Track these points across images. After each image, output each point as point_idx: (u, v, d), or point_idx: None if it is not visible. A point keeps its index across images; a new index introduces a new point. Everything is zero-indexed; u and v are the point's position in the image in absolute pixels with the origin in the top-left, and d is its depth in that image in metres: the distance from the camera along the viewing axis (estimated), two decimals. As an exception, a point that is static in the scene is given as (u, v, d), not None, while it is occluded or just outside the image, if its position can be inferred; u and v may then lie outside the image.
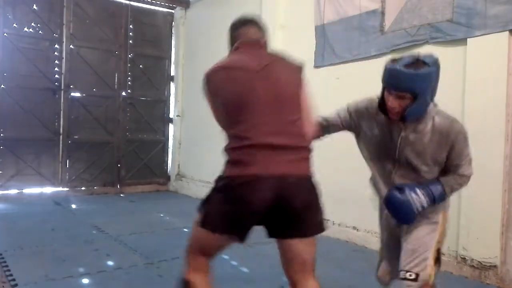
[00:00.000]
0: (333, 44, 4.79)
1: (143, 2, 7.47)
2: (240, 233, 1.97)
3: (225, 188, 1.91)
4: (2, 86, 6.25)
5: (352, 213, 4.56)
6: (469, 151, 2.36)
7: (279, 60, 2.19)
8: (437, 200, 2.17)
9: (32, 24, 6.47)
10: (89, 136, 6.93)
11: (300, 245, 2.11)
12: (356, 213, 4.52)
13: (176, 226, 5.09)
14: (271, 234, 2.05)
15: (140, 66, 7.47)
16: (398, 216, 2.17)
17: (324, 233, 4.86)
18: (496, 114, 3.38)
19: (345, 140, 4.72)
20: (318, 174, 5.20)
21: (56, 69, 6.69)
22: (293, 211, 1.95)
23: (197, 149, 7.29)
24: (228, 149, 2.00)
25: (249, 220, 1.93)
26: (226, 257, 3.95)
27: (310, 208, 2.09)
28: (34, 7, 6.47)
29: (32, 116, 6.46)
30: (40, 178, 6.59)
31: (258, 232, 4.75)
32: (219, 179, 1.97)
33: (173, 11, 7.81)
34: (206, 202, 2.00)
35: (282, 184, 1.90)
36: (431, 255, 2.16)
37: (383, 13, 4.25)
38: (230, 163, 1.95)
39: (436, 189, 2.17)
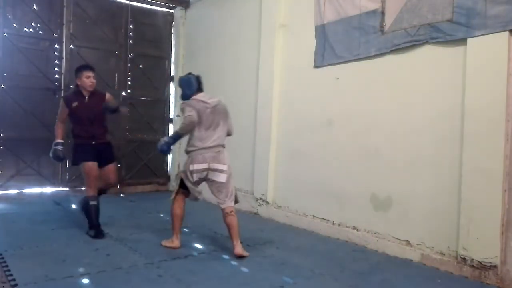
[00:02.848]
0: (333, 44, 4.79)
1: (143, 2, 7.47)
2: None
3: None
4: (2, 86, 6.25)
5: (352, 213, 4.56)
6: (184, 115, 3.92)
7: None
8: (169, 137, 4.09)
9: (32, 24, 6.46)
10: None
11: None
12: (356, 213, 4.52)
13: (176, 226, 5.09)
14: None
15: (140, 66, 7.47)
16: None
17: (324, 233, 4.90)
18: (496, 114, 3.38)
19: (345, 140, 4.75)
20: (319, 175, 5.23)
21: (56, 69, 6.69)
22: None
23: (197, 149, 7.29)
24: None
25: None
26: (226, 257, 3.95)
27: None
28: (34, 7, 6.46)
29: (32, 116, 6.46)
30: (40, 178, 6.58)
31: (257, 233, 4.74)
32: None
33: (173, 11, 7.80)
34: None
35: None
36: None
37: (383, 13, 4.25)
38: None
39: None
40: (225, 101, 6.70)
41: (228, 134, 4.15)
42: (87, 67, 4.76)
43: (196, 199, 4.09)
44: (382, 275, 3.57)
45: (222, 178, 3.94)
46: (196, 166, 3.91)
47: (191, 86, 4.03)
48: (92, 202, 4.48)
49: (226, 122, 4.08)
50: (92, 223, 4.49)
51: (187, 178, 3.99)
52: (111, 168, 4.73)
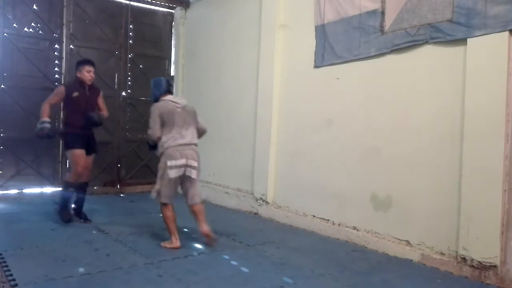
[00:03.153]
0: (333, 44, 4.79)
1: (143, 2, 7.47)
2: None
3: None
4: (2, 86, 6.25)
5: (352, 213, 4.56)
6: (150, 122, 4.12)
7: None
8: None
9: (32, 24, 6.46)
10: (89, 136, 6.92)
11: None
12: (356, 213, 4.52)
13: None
14: None
15: (140, 66, 7.48)
16: None
17: (324, 233, 4.90)
18: (496, 114, 3.38)
19: (345, 140, 4.75)
20: (319, 175, 5.22)
21: (56, 69, 6.69)
22: None
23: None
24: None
25: None
26: (226, 257, 3.95)
27: None
28: (34, 7, 6.47)
29: (32, 116, 6.44)
30: (40, 178, 6.59)
31: (257, 233, 4.74)
32: None
33: (173, 11, 7.80)
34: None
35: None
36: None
37: (383, 13, 4.25)
38: None
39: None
40: (225, 101, 6.74)
41: (203, 132, 4.44)
42: (89, 61, 5.05)
43: (167, 198, 4.10)
44: (382, 275, 3.57)
45: (194, 174, 4.13)
46: (174, 162, 4.01)
47: (160, 87, 4.26)
48: (70, 189, 4.83)
49: (196, 122, 4.32)
50: (63, 207, 4.93)
51: (162, 178, 4.06)
52: (91, 158, 5.06)
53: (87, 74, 4.90)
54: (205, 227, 4.14)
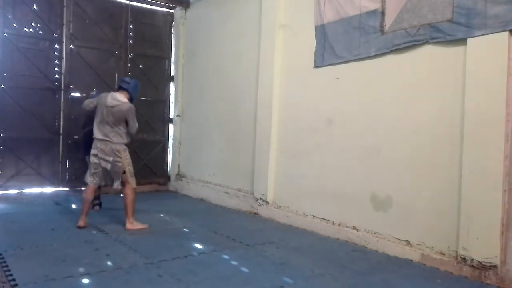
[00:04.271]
0: (333, 44, 4.79)
1: (143, 2, 7.47)
2: None
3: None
4: (2, 86, 6.25)
5: (352, 213, 4.56)
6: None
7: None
8: None
9: (32, 24, 6.47)
10: (89, 136, 6.92)
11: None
12: (356, 213, 4.52)
13: (176, 226, 5.09)
14: None
15: (140, 66, 7.48)
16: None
17: (324, 233, 4.90)
18: (496, 114, 3.38)
19: (345, 140, 4.75)
20: (319, 175, 5.22)
21: (56, 69, 6.69)
22: None
23: (197, 149, 7.29)
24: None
25: None
26: (226, 257, 3.95)
27: None
28: (34, 7, 6.47)
29: (32, 116, 6.46)
30: (40, 178, 6.59)
31: (257, 233, 4.74)
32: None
33: (173, 11, 7.81)
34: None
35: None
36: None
37: (383, 13, 4.24)
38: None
39: None
40: (225, 101, 6.74)
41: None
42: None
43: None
44: (382, 275, 3.57)
45: (109, 166, 4.83)
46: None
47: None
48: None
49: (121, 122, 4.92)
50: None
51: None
52: None
53: None
54: (128, 224, 4.82)
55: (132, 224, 4.77)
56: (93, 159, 4.76)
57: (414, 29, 3.96)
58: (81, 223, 4.73)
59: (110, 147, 4.69)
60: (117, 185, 4.81)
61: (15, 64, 6.33)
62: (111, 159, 4.69)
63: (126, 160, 4.77)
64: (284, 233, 4.87)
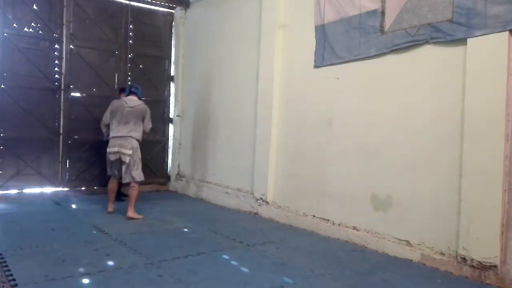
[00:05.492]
0: (333, 44, 4.79)
1: (143, 2, 7.47)
2: None
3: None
4: (2, 86, 6.25)
5: (352, 213, 4.56)
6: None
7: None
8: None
9: (32, 24, 6.47)
10: (89, 136, 6.92)
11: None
12: (356, 213, 4.52)
13: (176, 226, 5.09)
14: None
15: (140, 66, 7.48)
16: None
17: (324, 233, 4.90)
18: (496, 114, 3.38)
19: (345, 140, 4.75)
20: (319, 175, 5.21)
21: (56, 69, 6.69)
22: None
23: (197, 149, 7.29)
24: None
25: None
26: (226, 257, 3.95)
27: None
28: (34, 7, 6.47)
29: (32, 116, 6.46)
30: (40, 178, 6.59)
31: (257, 233, 4.74)
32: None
33: (173, 11, 7.81)
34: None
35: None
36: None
37: (383, 13, 4.25)
38: None
39: None
40: (225, 101, 6.74)
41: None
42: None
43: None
44: (382, 275, 3.57)
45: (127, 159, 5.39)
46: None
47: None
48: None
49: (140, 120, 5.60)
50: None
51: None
52: None
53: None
54: (129, 212, 5.33)
55: (133, 214, 5.34)
56: (112, 156, 5.33)
57: (414, 29, 3.96)
58: (109, 209, 5.54)
59: (130, 141, 5.30)
60: (130, 178, 5.33)
61: (15, 64, 6.33)
62: (130, 152, 5.28)
63: (139, 155, 5.44)
64: (284, 233, 4.87)
